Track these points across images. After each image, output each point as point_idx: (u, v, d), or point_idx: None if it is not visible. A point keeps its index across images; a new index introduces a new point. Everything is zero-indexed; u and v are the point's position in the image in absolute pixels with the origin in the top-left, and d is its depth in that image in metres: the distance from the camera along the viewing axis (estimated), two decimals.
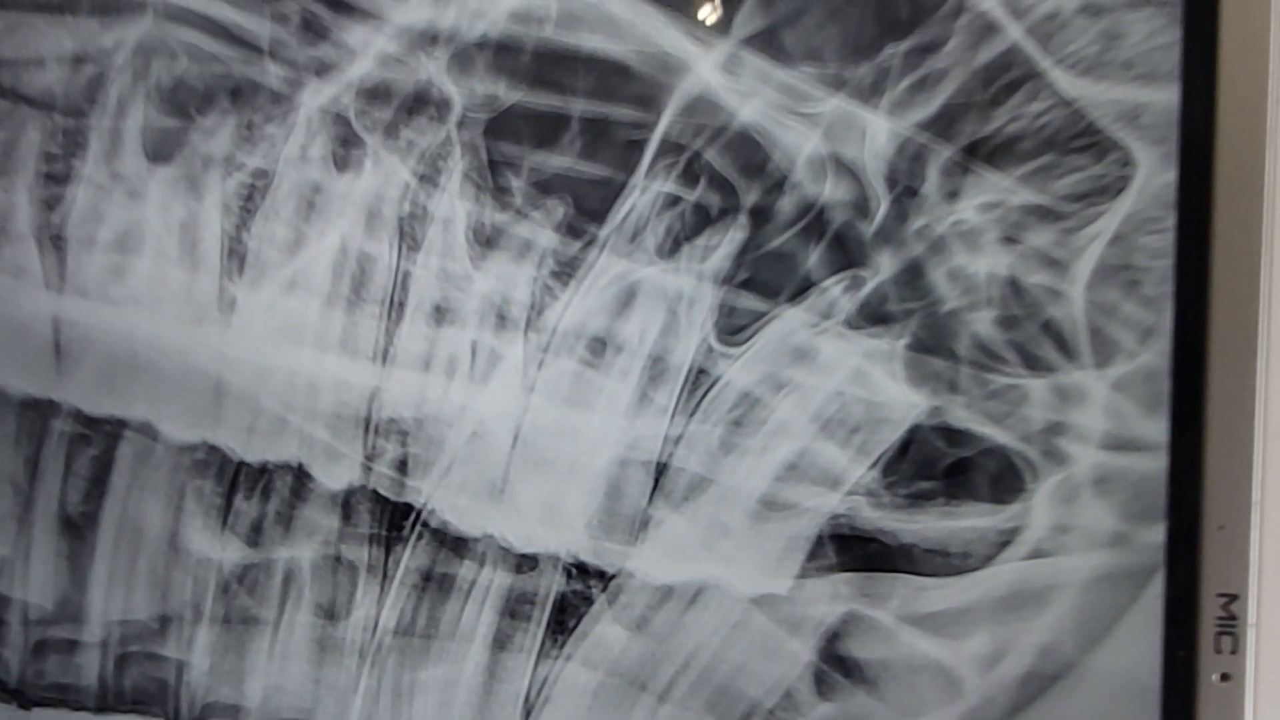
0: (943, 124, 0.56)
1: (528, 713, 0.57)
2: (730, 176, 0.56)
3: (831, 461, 0.56)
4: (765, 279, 0.57)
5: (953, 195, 0.56)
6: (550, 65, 0.57)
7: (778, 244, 0.56)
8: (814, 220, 0.56)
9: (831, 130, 0.56)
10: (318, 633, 0.58)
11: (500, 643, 0.57)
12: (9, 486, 0.59)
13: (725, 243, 0.56)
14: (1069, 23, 0.55)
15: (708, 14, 0.56)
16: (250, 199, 0.58)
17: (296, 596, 0.58)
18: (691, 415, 0.57)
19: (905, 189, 0.56)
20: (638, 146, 0.57)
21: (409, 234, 0.57)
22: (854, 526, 0.56)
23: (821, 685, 0.56)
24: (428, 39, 0.57)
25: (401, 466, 0.57)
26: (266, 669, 0.58)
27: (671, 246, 0.57)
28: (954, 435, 0.56)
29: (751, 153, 0.56)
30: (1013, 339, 0.56)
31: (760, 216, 0.56)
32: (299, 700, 0.58)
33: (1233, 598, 0.54)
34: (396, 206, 0.57)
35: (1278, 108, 0.54)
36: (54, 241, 0.58)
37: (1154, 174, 0.55)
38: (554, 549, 0.57)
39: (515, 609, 0.57)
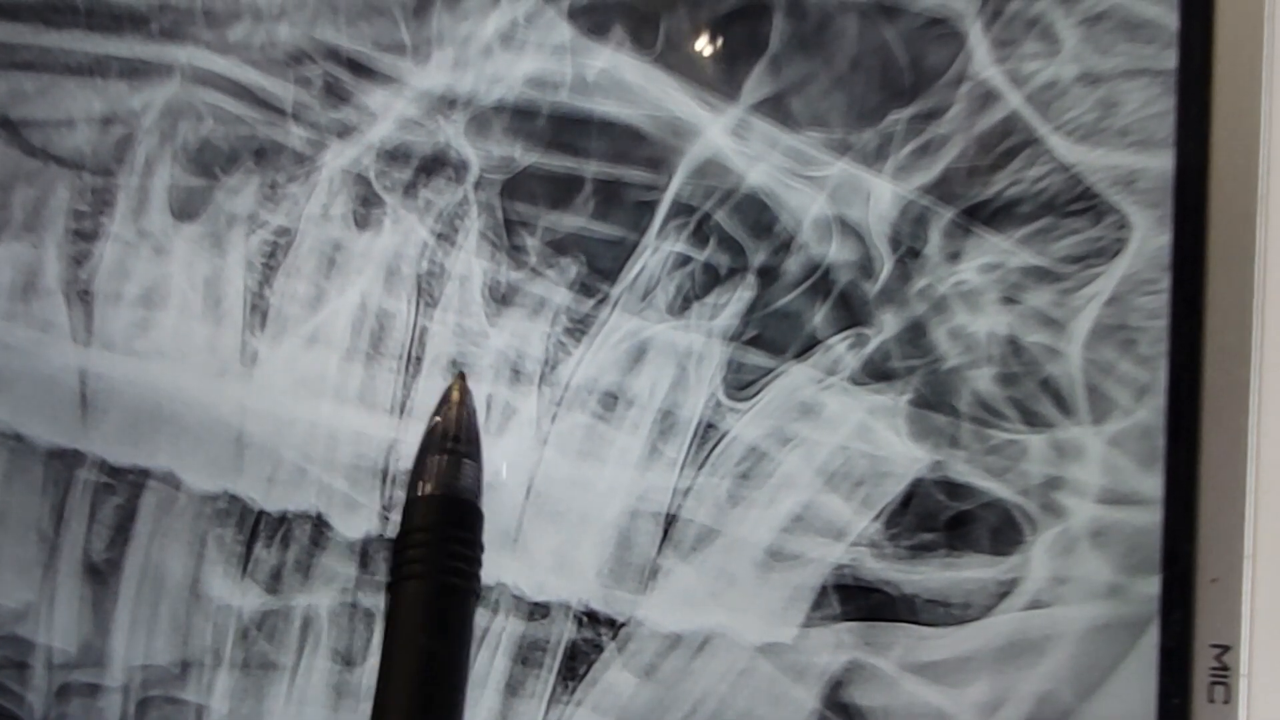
0: (944, 188, 0.57)
1: None
2: (739, 237, 0.57)
3: (836, 514, 0.57)
4: (772, 336, 0.57)
5: (954, 256, 0.57)
6: (565, 129, 0.58)
7: (784, 303, 0.57)
8: (820, 280, 0.57)
9: (837, 193, 0.57)
10: (335, 678, 0.58)
11: (512, 689, 0.58)
12: (35, 534, 0.59)
13: (734, 301, 0.57)
14: (1067, 91, 0.56)
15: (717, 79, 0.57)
16: (273, 256, 0.59)
17: (314, 642, 0.59)
18: (700, 468, 0.57)
19: (908, 250, 0.57)
20: (649, 208, 0.58)
21: (427, 291, 0.58)
22: (857, 577, 0.57)
23: None
24: (446, 103, 0.58)
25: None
26: (284, 713, 0.59)
27: (682, 304, 0.58)
28: (955, 489, 0.57)
29: (759, 214, 0.57)
30: (1012, 396, 0.57)
31: (768, 276, 0.57)
32: None
33: (1225, 649, 0.55)
34: (415, 264, 0.58)
35: (1269, 175, 0.55)
36: (81, 296, 0.59)
37: (1149, 237, 0.56)
38: (565, 597, 0.58)
39: (527, 655, 0.58)
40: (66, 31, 0.59)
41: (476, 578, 0.40)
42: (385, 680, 0.39)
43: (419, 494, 0.40)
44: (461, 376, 0.42)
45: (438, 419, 0.41)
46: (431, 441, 0.41)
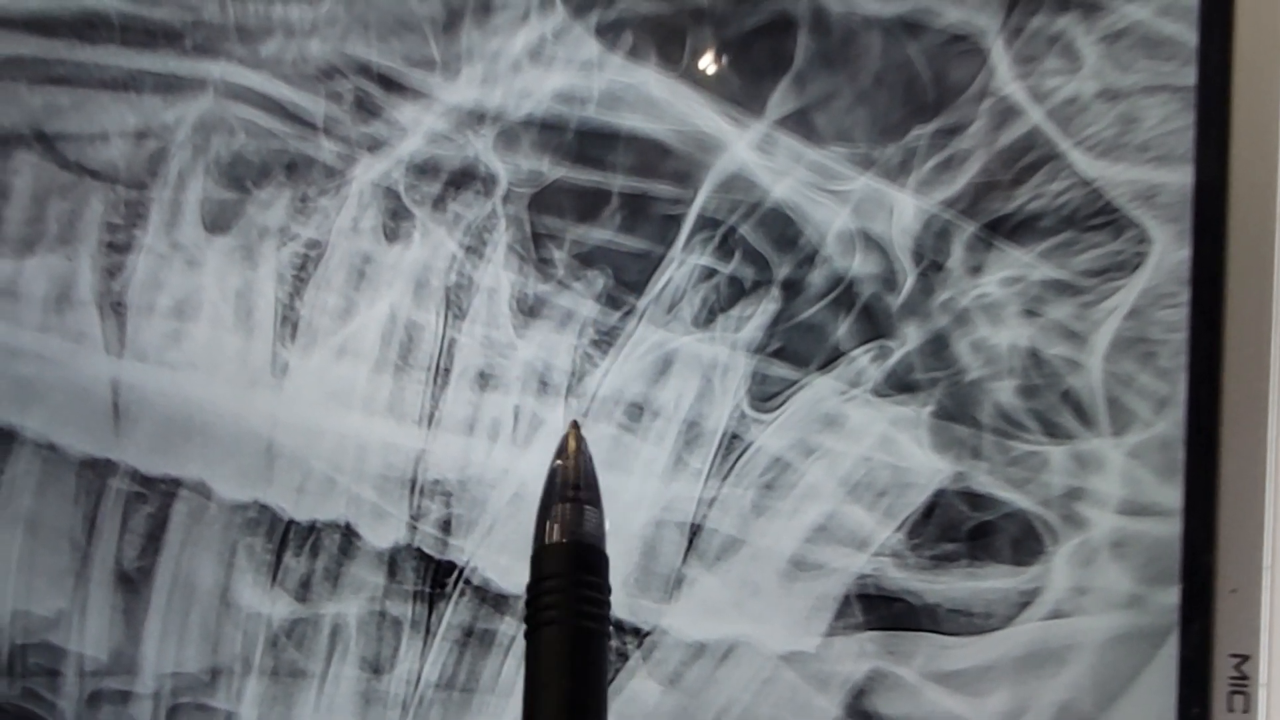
0: (967, 202, 0.57)
1: None
2: (764, 250, 0.58)
3: (859, 524, 0.58)
4: (796, 348, 0.58)
5: (976, 270, 0.57)
6: (592, 143, 0.58)
7: (808, 315, 0.58)
8: (843, 293, 0.58)
9: (861, 207, 0.58)
10: (363, 686, 0.59)
11: None
12: (67, 542, 0.60)
13: (758, 314, 0.58)
14: (1088, 107, 0.57)
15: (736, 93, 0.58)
16: (303, 268, 0.59)
17: (343, 651, 0.59)
18: (725, 479, 0.58)
19: (931, 263, 0.58)
20: (675, 221, 0.58)
21: (455, 303, 0.59)
22: (880, 586, 0.58)
23: None
24: (475, 118, 0.59)
25: (445, 526, 0.58)
26: None
27: (707, 317, 0.58)
28: (977, 499, 0.57)
29: (784, 228, 0.58)
30: (1033, 408, 0.57)
31: (792, 289, 0.58)
32: None
33: (1245, 658, 0.55)
34: (443, 277, 0.59)
35: None
36: (115, 308, 0.60)
37: (1169, 251, 0.57)
38: None
39: None
40: (101, 47, 0.60)
41: (608, 619, 0.42)
42: None
43: (548, 541, 0.41)
44: (576, 425, 0.44)
45: (559, 465, 0.43)
46: (554, 489, 0.43)
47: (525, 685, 0.41)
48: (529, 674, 0.41)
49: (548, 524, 0.42)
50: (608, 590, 0.42)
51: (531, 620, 0.41)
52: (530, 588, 0.41)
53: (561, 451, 0.43)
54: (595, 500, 0.42)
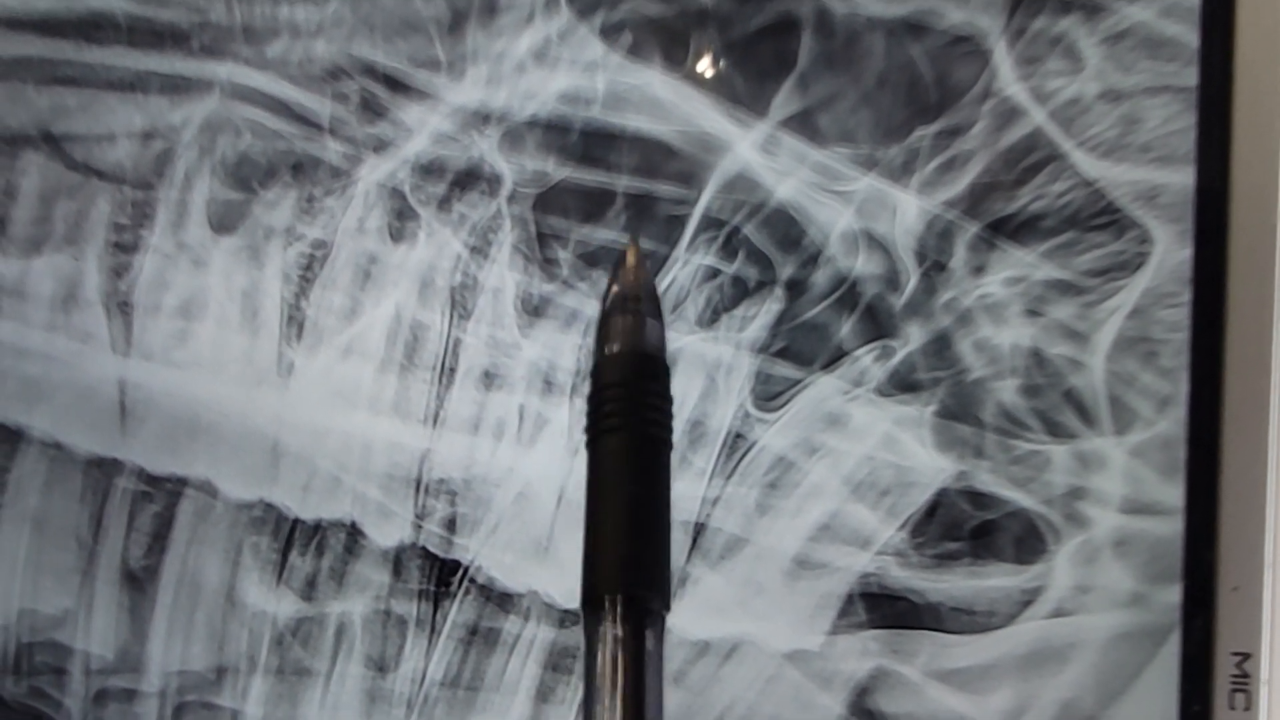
0: (969, 202, 0.58)
1: None
2: (767, 251, 0.58)
3: (862, 523, 0.58)
4: (800, 348, 0.58)
5: (979, 270, 0.58)
6: (597, 144, 0.59)
7: (812, 315, 0.58)
8: (847, 293, 0.58)
9: (864, 207, 0.58)
10: (368, 684, 0.59)
11: (543, 695, 0.58)
12: (74, 541, 0.60)
13: (762, 313, 0.58)
14: (1090, 108, 0.57)
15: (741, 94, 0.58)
16: (309, 268, 0.59)
17: (348, 649, 0.59)
18: (729, 478, 0.58)
19: (934, 263, 0.58)
20: (679, 221, 0.58)
21: (460, 303, 0.59)
22: (883, 585, 0.58)
23: None
24: (480, 118, 0.59)
25: (450, 525, 0.59)
26: (318, 718, 0.59)
27: (711, 317, 0.58)
28: (979, 498, 0.57)
29: (788, 228, 0.58)
30: (1036, 407, 0.57)
31: (795, 289, 0.58)
32: None
33: (1246, 656, 0.55)
34: (449, 276, 0.59)
35: None
36: (121, 308, 0.60)
37: (1171, 251, 0.57)
38: None
39: (558, 662, 0.58)
40: (108, 48, 0.60)
41: (670, 428, 0.41)
42: (595, 530, 0.40)
43: (608, 352, 0.40)
44: (634, 241, 0.43)
45: (615, 285, 0.42)
46: (614, 305, 0.41)
47: (588, 495, 0.39)
48: (591, 483, 0.39)
49: (608, 334, 0.41)
50: (670, 400, 0.41)
51: (593, 429, 0.40)
52: (591, 398, 0.40)
53: (619, 267, 0.42)
54: (656, 313, 0.41)
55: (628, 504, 0.39)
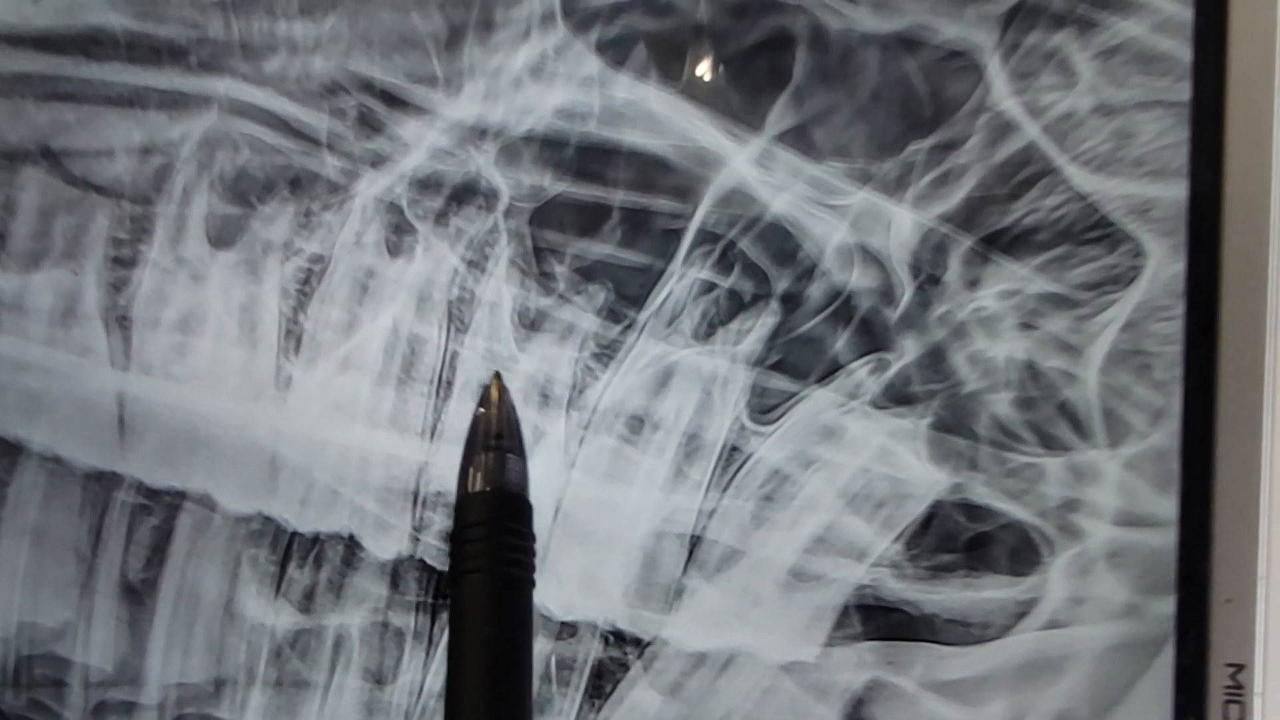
0: (964, 216, 0.58)
1: None
2: (763, 264, 0.58)
3: (857, 535, 0.58)
4: (795, 361, 0.58)
5: (973, 283, 0.58)
6: (593, 158, 0.59)
7: (807, 328, 0.58)
8: (842, 306, 0.58)
9: (859, 221, 0.58)
10: (365, 696, 0.59)
11: (540, 707, 0.59)
12: (73, 554, 0.60)
13: (758, 327, 0.58)
14: (1083, 122, 0.57)
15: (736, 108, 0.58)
16: (307, 282, 0.60)
17: (346, 661, 0.59)
18: (725, 490, 0.58)
19: (928, 277, 0.58)
20: (675, 235, 0.59)
21: (457, 317, 0.59)
22: (879, 597, 0.58)
23: None
24: (477, 133, 0.59)
25: (448, 538, 0.59)
26: None
27: (707, 330, 0.59)
28: (974, 511, 0.58)
29: (783, 242, 0.58)
30: (1030, 420, 0.57)
31: (791, 302, 0.58)
32: None
33: (1240, 668, 0.56)
34: (446, 291, 0.59)
35: None
36: (120, 322, 0.60)
37: (1164, 264, 0.57)
38: (592, 617, 0.58)
39: (555, 674, 0.59)
40: (107, 64, 0.60)
41: (532, 567, 0.41)
42: (456, 671, 0.40)
43: (470, 490, 0.41)
44: (498, 376, 0.43)
45: (481, 414, 0.42)
46: (477, 439, 0.42)
47: (450, 635, 0.40)
48: (453, 623, 0.40)
49: (470, 472, 0.41)
50: (532, 538, 0.41)
51: (455, 569, 0.40)
52: (453, 537, 0.41)
53: (484, 401, 0.43)
54: (518, 449, 0.42)
55: (487, 646, 0.40)
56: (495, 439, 0.42)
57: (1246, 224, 0.56)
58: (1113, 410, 0.57)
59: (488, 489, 0.41)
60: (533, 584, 0.42)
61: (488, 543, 0.40)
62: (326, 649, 0.59)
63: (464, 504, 0.41)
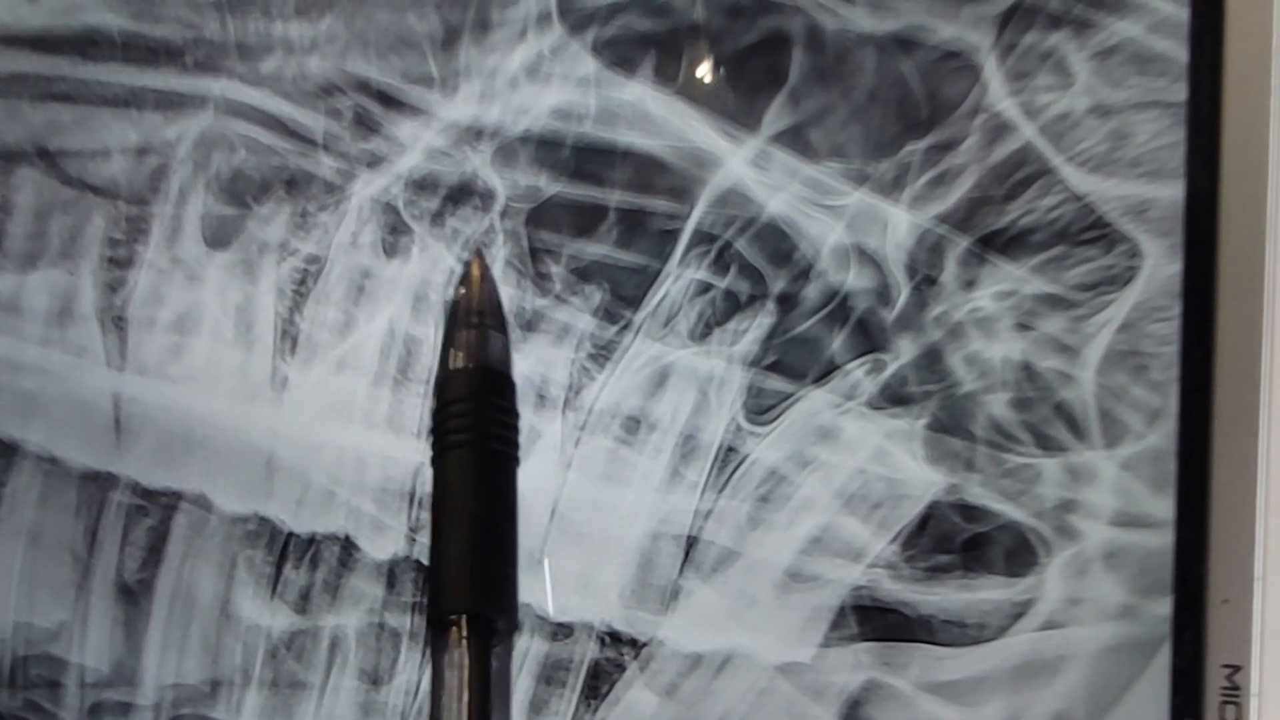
0: (960, 217, 0.58)
1: None
2: (759, 265, 0.58)
3: (854, 536, 0.58)
4: (791, 362, 0.58)
5: (969, 284, 0.58)
6: (589, 159, 0.59)
7: (804, 329, 0.58)
8: (838, 307, 0.58)
9: (855, 222, 0.58)
10: (362, 697, 0.59)
11: (536, 707, 0.59)
12: (69, 555, 0.60)
13: (754, 327, 0.58)
14: (1080, 123, 0.57)
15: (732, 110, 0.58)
16: (303, 283, 0.60)
17: (342, 662, 0.59)
18: (721, 491, 0.58)
19: (924, 278, 0.58)
20: (671, 236, 0.59)
21: None
22: (875, 598, 0.58)
23: None
24: (474, 134, 0.59)
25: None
26: None
27: (703, 331, 0.59)
28: (971, 511, 0.58)
29: (779, 243, 0.58)
30: (1026, 420, 0.57)
31: (787, 303, 0.58)
32: None
33: (1236, 669, 0.56)
34: (442, 291, 0.59)
35: (1278, 204, 0.56)
36: (116, 322, 0.60)
37: (1160, 265, 0.57)
38: (589, 618, 0.59)
39: (551, 675, 0.59)
40: (103, 64, 0.60)
41: (516, 444, 0.40)
42: (440, 547, 0.39)
43: (452, 367, 0.40)
44: (480, 254, 0.43)
45: (461, 293, 0.41)
46: (458, 316, 0.41)
47: (433, 511, 0.39)
48: (436, 499, 0.39)
49: (451, 351, 0.40)
50: (516, 415, 0.40)
51: (438, 445, 0.39)
52: (435, 414, 0.40)
53: (465, 279, 0.42)
54: (501, 327, 0.41)
55: (472, 521, 0.39)
56: (477, 315, 0.41)
57: (1243, 224, 0.56)
58: (1109, 411, 0.57)
59: (470, 365, 0.40)
60: (517, 461, 0.40)
61: (473, 417, 0.39)
62: (322, 650, 0.59)
63: (446, 381, 0.40)
